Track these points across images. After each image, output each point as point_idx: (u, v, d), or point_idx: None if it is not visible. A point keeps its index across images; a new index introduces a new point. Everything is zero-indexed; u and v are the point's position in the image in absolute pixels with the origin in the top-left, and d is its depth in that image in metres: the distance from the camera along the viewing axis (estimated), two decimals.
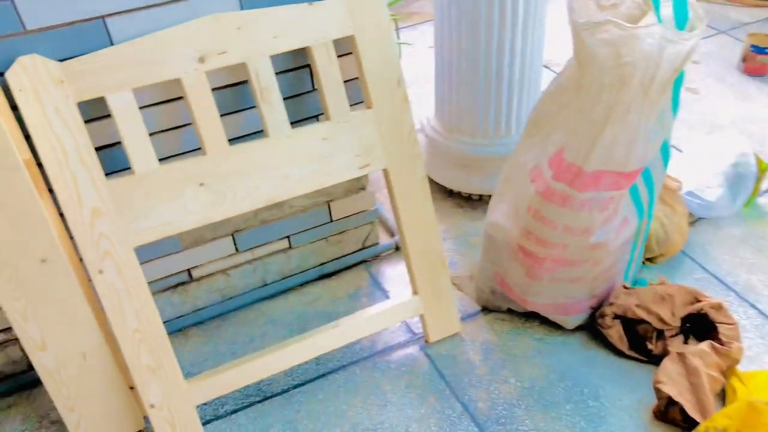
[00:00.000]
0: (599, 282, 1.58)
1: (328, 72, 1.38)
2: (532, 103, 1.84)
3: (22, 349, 1.56)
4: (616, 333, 1.57)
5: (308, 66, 1.48)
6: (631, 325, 1.57)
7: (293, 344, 1.50)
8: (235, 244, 1.66)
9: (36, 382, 1.59)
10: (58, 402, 1.38)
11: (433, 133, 2.01)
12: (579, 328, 1.65)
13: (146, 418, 1.48)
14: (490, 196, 2.00)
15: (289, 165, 1.40)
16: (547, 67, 2.70)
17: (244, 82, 1.43)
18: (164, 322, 1.61)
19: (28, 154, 1.21)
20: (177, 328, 1.70)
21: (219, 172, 1.35)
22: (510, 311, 1.71)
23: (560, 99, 1.40)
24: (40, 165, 1.27)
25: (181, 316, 1.71)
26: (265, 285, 1.78)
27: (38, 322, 1.30)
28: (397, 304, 1.58)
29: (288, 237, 1.73)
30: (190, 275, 1.66)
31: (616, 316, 1.57)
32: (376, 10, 1.38)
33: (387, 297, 1.77)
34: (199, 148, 1.44)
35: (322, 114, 1.56)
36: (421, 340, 1.65)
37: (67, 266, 1.28)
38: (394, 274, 1.84)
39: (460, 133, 1.93)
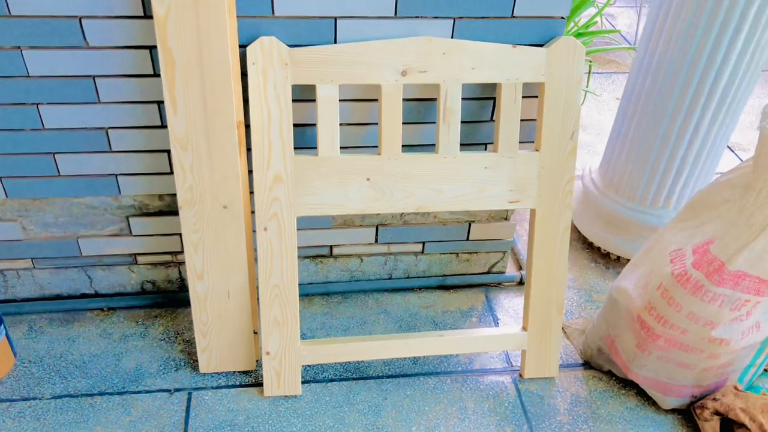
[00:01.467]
0: (709, 375, 1.58)
1: (510, 110, 1.49)
2: (702, 183, 1.85)
3: (180, 272, 1.80)
4: (711, 429, 1.57)
5: (493, 99, 1.59)
6: (729, 426, 1.57)
7: (399, 339, 1.63)
8: (376, 235, 1.82)
9: (181, 303, 1.84)
10: (196, 324, 1.59)
11: (590, 184, 2.06)
12: (673, 410, 1.66)
13: (258, 362, 1.67)
14: (628, 260, 2.03)
15: (447, 182, 1.52)
16: (731, 149, 2.63)
17: (430, 99, 1.56)
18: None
19: (242, 117, 1.41)
20: (306, 292, 1.89)
21: (386, 172, 1.50)
22: (610, 373, 1.74)
23: (725, 193, 1.42)
24: (247, 127, 1.47)
25: (311, 283, 1.89)
26: (390, 278, 1.92)
27: (204, 255, 1.51)
28: (504, 334, 1.67)
29: (423, 242, 1.86)
30: (330, 251, 1.84)
31: (716, 413, 1.57)
32: (573, 67, 1.46)
33: (496, 324, 1.86)
34: (375, 146, 1.60)
35: (491, 144, 1.66)
36: (516, 372, 1.73)
37: (242, 216, 1.48)
38: (509, 306, 1.92)
39: (618, 193, 1.97)
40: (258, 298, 1.63)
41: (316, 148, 1.47)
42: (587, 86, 2.73)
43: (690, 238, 1.47)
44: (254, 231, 1.60)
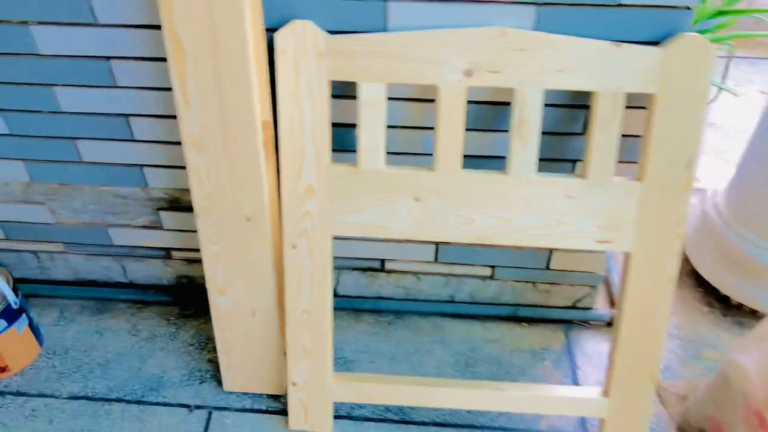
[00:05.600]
0: None
1: (607, 125, 1.14)
2: None
3: None
4: None
5: (585, 106, 1.25)
6: None
7: (449, 388, 1.37)
8: (436, 253, 1.54)
9: None
10: (218, 341, 1.42)
11: (712, 209, 1.66)
12: None
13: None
14: (752, 311, 1.63)
15: (517, 210, 1.22)
16: None
17: (501, 103, 1.25)
18: (343, 297, 1.57)
19: (269, 116, 1.18)
20: (354, 306, 1.66)
21: (440, 192, 1.21)
22: None
23: None
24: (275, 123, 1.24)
25: (361, 297, 1.65)
26: (452, 302, 1.65)
27: (226, 269, 1.31)
28: (581, 398, 1.36)
29: (493, 266, 1.56)
30: (382, 265, 1.59)
31: None
32: (698, 75, 1.09)
33: (574, 372, 1.54)
34: (427, 154, 1.32)
35: (579, 161, 1.33)
36: None
37: (267, 230, 1.26)
38: (593, 351, 1.59)
39: (749, 228, 1.56)
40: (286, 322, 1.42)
41: (355, 152, 1.21)
42: (724, 80, 2.23)
43: None
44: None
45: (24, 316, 1.48)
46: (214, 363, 1.54)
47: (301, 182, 1.22)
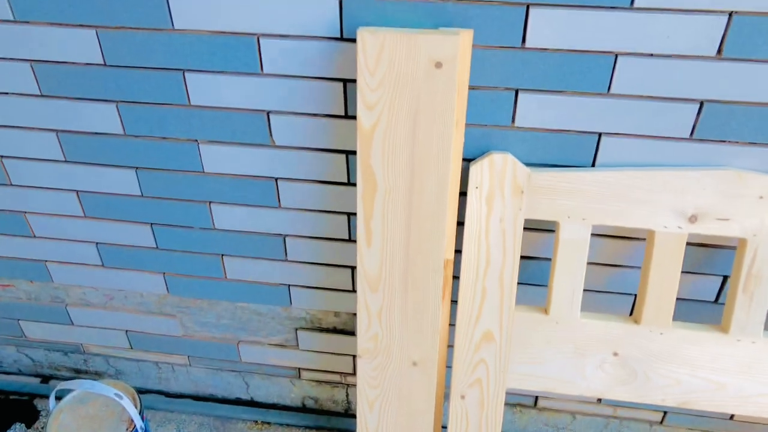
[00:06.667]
0: None
1: None
2: None
3: (348, 395, 1.49)
4: None
5: None
6: None
7: None
8: None
9: (344, 428, 1.52)
10: None
11: None
12: None
13: None
14: None
15: (734, 374, 1.04)
16: None
17: (716, 246, 1.09)
18: None
19: (451, 255, 1.05)
20: None
21: (644, 347, 1.05)
22: None
23: None
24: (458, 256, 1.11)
25: None
26: None
27: (381, 415, 1.17)
28: None
29: (666, 412, 1.37)
30: (535, 401, 1.41)
31: None
32: None
33: None
34: (622, 293, 1.16)
35: None
36: None
37: (434, 377, 1.11)
38: None
39: None
40: None
41: (542, 286, 1.06)
42: None
43: None
44: (447, 396, 1.23)
45: None
46: None
47: (479, 327, 1.07)
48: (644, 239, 1.08)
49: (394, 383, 1.13)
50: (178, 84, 1.04)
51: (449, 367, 1.26)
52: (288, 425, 1.54)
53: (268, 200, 1.16)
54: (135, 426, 1.31)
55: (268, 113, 1.05)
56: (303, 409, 1.54)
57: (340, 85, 1.00)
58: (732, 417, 1.35)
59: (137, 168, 1.17)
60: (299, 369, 1.47)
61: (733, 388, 1.05)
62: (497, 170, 0.99)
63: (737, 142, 0.96)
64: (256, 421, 1.54)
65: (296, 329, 1.38)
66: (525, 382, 1.10)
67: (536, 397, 1.41)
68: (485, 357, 1.09)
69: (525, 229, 1.10)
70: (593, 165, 1.00)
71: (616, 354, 1.06)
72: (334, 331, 1.37)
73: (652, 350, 1.05)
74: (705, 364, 1.04)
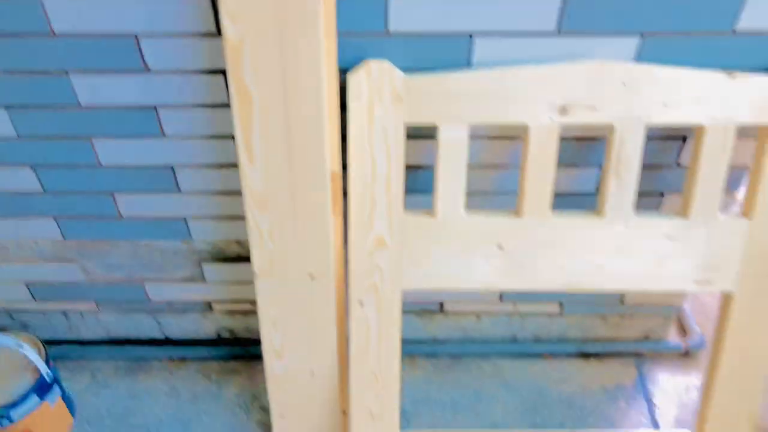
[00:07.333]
0: None
1: (714, 161, 1.04)
2: None
3: None
4: None
5: (681, 137, 1.15)
6: None
7: None
8: (501, 293, 1.43)
9: (260, 357, 1.55)
10: (273, 405, 1.30)
11: None
12: None
13: None
14: None
15: (611, 255, 1.11)
16: None
17: (588, 138, 1.14)
18: None
19: (338, 167, 1.06)
20: (407, 351, 1.54)
21: (527, 238, 1.11)
22: None
23: None
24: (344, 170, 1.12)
25: (415, 341, 1.54)
26: (514, 342, 1.54)
27: (284, 331, 1.19)
28: None
29: (562, 302, 1.46)
30: (441, 307, 1.48)
31: None
32: None
33: (651, 410, 1.45)
34: (506, 194, 1.21)
35: (668, 194, 1.23)
36: None
37: (332, 288, 1.14)
38: (668, 385, 1.49)
39: None
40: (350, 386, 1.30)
41: (429, 194, 1.10)
42: None
43: None
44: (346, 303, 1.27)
45: (56, 387, 1.34)
46: (264, 424, 1.42)
47: (371, 235, 1.10)
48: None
49: (294, 299, 1.15)
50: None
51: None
52: (205, 359, 1.55)
53: (150, 130, 1.13)
54: (40, 374, 1.29)
55: (136, 36, 1.02)
56: (219, 341, 1.55)
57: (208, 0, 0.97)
58: (623, 301, 1.45)
59: (8, 107, 1.11)
60: (210, 302, 1.47)
61: (612, 267, 1.12)
62: (374, 78, 0.99)
63: (599, 34, 0.99)
64: (172, 359, 1.55)
65: (200, 261, 1.37)
66: (420, 283, 1.14)
67: (441, 303, 1.47)
68: (379, 263, 1.12)
69: (410, 137, 1.12)
70: (468, 66, 1.03)
71: (501, 247, 1.11)
72: (239, 259, 1.37)
73: (535, 240, 1.11)
74: (584, 249, 1.11)
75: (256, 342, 1.54)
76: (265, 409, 1.45)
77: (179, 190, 1.23)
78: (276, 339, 1.20)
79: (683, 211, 1.09)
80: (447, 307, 1.48)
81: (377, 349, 1.19)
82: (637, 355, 1.55)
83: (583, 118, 1.02)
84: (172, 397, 1.48)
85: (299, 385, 1.27)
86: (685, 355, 1.54)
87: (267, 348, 1.22)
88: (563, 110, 1.01)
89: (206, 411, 1.45)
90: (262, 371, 1.52)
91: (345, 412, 1.32)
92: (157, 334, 1.55)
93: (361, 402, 1.23)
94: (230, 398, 1.48)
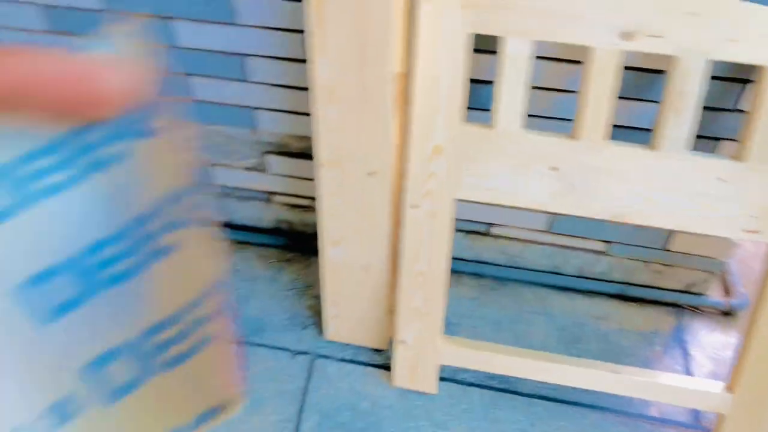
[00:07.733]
0: None
1: None
2: None
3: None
4: None
5: (744, 81, 1.13)
6: None
7: (563, 364, 1.31)
8: (550, 223, 1.47)
9: (315, 251, 1.65)
10: (327, 293, 1.40)
11: None
12: None
13: (390, 343, 1.46)
14: None
15: (663, 190, 1.13)
16: None
17: (652, 71, 1.14)
18: None
19: (404, 68, 1.11)
20: (455, 269, 1.61)
21: (581, 162, 1.13)
22: None
23: None
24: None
25: (461, 259, 1.61)
26: (557, 273, 1.58)
27: (342, 222, 1.28)
28: (703, 391, 1.28)
29: (608, 242, 1.48)
30: (488, 229, 1.53)
31: None
32: None
33: (686, 360, 1.47)
34: (565, 120, 1.23)
35: (724, 140, 1.22)
36: None
37: (388, 187, 1.21)
38: (706, 341, 1.51)
39: None
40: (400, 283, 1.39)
41: (488, 111, 1.14)
42: None
43: None
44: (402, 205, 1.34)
45: None
46: (314, 310, 1.53)
47: (431, 142, 1.16)
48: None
49: (353, 193, 1.23)
50: None
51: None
52: (265, 245, 1.67)
53: (222, 16, 1.21)
54: None
55: None
56: (278, 231, 1.67)
57: None
58: (666, 248, 1.46)
59: None
60: (270, 193, 1.57)
61: (662, 203, 1.14)
62: None
63: None
64: (236, 241, 1.68)
65: (264, 153, 1.47)
66: (474, 194, 1.19)
67: (489, 224, 1.52)
68: (436, 170, 1.18)
69: (475, 51, 1.15)
70: None
71: (555, 168, 1.15)
72: (303, 156, 1.46)
73: (588, 165, 1.13)
74: (636, 180, 1.13)
75: (313, 236, 1.65)
76: (316, 297, 1.56)
77: (246, 79, 1.31)
78: (333, 229, 1.29)
79: (739, 155, 1.09)
80: (494, 230, 1.53)
81: (428, 252, 1.26)
82: (677, 306, 1.56)
83: (647, 46, 1.02)
84: (233, 275, 1.62)
85: (352, 277, 1.36)
86: (727, 314, 1.55)
87: (325, 235, 1.31)
88: (628, 36, 1.02)
89: (264, 291, 1.58)
90: (317, 264, 1.62)
91: (392, 311, 1.41)
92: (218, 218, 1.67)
93: (409, 299, 1.31)
94: (285, 283, 1.60)
